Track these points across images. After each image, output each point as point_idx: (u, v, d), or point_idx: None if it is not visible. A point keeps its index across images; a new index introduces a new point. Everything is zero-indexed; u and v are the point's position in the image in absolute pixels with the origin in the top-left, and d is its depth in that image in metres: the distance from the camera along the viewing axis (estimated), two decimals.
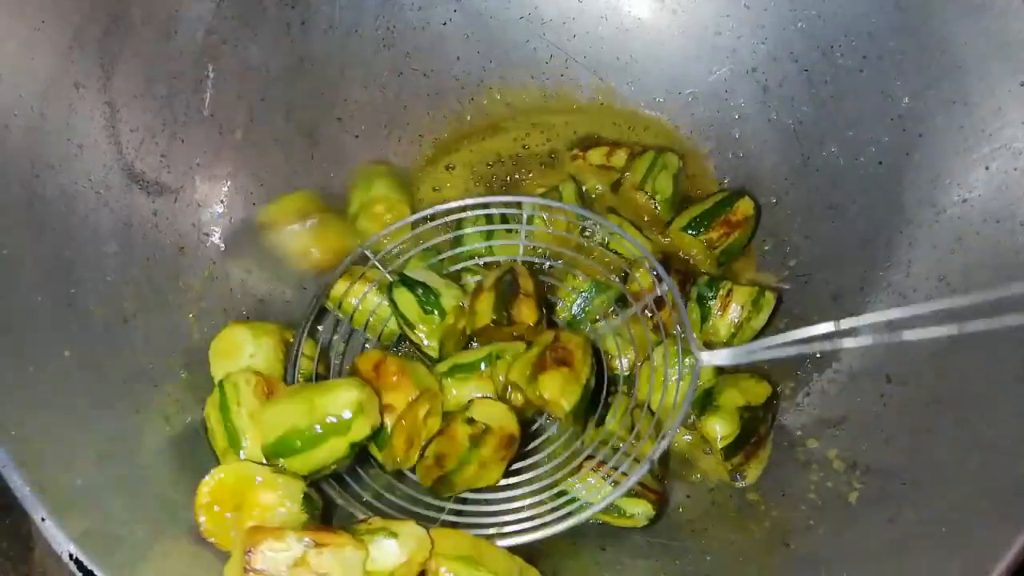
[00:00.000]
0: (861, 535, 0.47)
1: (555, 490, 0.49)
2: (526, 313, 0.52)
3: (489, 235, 0.58)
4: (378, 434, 0.46)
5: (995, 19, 0.52)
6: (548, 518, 0.47)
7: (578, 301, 0.57)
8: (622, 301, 0.57)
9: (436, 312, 0.52)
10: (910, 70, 0.56)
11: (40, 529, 0.35)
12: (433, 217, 0.58)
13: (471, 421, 0.47)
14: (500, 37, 0.65)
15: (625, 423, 0.52)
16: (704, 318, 0.57)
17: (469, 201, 0.58)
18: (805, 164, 0.61)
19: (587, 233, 0.60)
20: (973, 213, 0.52)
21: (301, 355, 0.52)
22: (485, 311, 0.52)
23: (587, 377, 0.50)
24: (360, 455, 0.47)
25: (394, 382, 0.46)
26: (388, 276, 0.55)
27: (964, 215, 0.53)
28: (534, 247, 0.59)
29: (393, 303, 0.53)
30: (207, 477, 0.42)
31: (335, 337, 0.56)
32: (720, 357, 0.49)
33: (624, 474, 0.48)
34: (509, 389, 0.51)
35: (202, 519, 0.41)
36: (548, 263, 0.59)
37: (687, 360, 0.53)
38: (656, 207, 0.61)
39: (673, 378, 0.53)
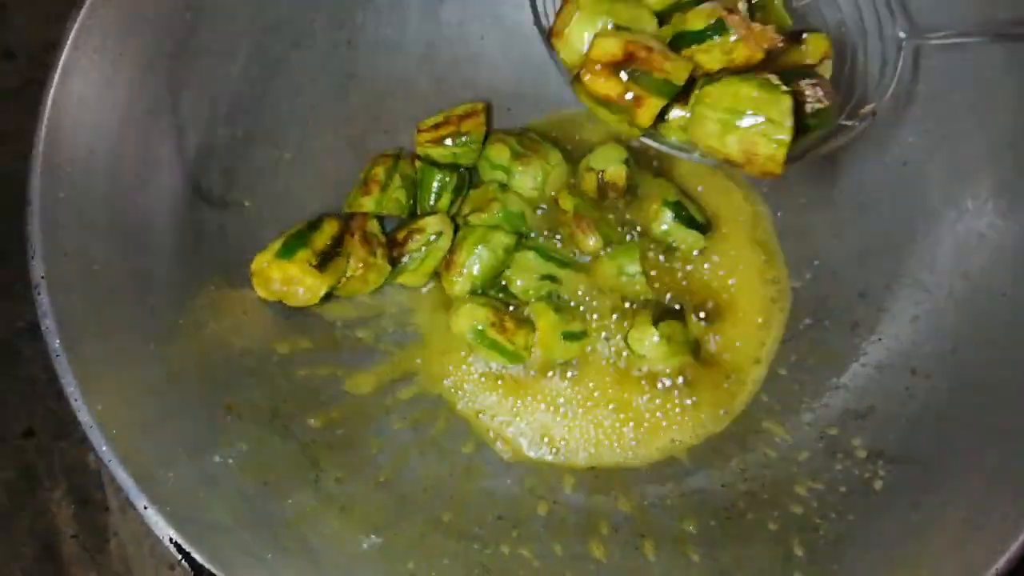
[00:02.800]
0: (886, 520, 0.50)
1: None
2: None
3: None
4: None
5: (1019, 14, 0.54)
6: None
7: None
8: None
9: None
10: (933, 70, 0.58)
11: (143, 517, 0.39)
12: None
13: None
14: (537, 49, 0.67)
15: None
16: None
17: None
18: (833, 164, 0.64)
19: None
20: (995, 212, 0.55)
21: None
22: None
23: None
24: None
25: None
26: None
27: (988, 212, 0.55)
28: None
29: None
30: None
31: None
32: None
33: None
34: None
35: None
36: None
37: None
38: None
39: None
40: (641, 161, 0.65)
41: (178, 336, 0.51)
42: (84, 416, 0.42)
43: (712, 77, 0.49)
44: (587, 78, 0.47)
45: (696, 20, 0.48)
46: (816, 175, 0.64)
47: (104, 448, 0.41)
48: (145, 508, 0.40)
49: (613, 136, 0.67)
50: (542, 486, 0.57)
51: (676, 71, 0.47)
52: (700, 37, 0.48)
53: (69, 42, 0.48)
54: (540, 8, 0.52)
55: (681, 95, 0.49)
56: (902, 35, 0.53)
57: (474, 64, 0.68)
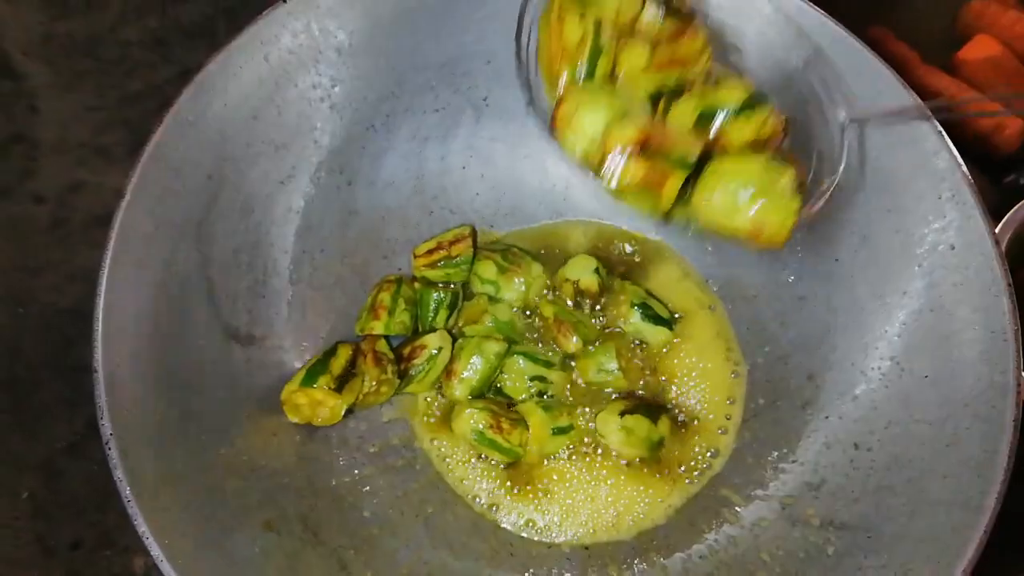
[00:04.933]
0: None
1: None
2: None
3: None
4: None
5: (916, 146, 0.63)
6: None
7: None
8: None
9: None
10: (856, 186, 0.67)
11: None
12: None
13: None
14: (510, 173, 0.77)
15: None
16: None
17: None
18: (776, 261, 0.73)
19: None
20: (913, 303, 0.64)
21: None
22: None
23: None
24: None
25: None
26: None
27: (906, 305, 0.64)
28: None
29: None
30: None
31: None
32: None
33: None
34: None
35: None
36: None
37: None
38: None
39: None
40: (610, 269, 0.75)
41: (222, 465, 0.59)
42: (155, 550, 0.50)
43: (714, 156, 0.52)
44: (610, 163, 0.51)
45: (730, 96, 0.52)
46: (763, 272, 0.73)
47: None
48: None
49: (584, 248, 0.76)
50: (540, 569, 0.65)
51: (690, 147, 0.51)
52: (738, 111, 0.51)
53: (116, 227, 0.57)
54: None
55: (693, 175, 0.52)
56: (843, 116, 0.60)
57: (458, 191, 0.77)
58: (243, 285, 0.66)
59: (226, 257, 0.65)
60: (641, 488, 0.68)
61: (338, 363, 0.66)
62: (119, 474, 0.51)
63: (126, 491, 0.50)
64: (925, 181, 0.63)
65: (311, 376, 0.64)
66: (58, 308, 0.81)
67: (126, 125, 0.87)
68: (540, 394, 0.70)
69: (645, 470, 0.69)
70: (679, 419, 0.71)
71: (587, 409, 0.71)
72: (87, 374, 0.53)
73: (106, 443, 0.52)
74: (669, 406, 0.71)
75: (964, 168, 0.61)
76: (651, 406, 0.69)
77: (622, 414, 0.67)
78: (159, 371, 0.58)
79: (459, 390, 0.69)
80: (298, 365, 0.68)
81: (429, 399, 0.72)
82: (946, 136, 0.62)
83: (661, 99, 0.55)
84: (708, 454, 0.69)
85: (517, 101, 0.74)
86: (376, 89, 0.71)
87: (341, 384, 0.65)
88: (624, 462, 0.69)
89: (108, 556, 0.75)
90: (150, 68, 0.87)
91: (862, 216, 0.67)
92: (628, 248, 0.77)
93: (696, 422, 0.70)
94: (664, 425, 0.68)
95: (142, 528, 0.50)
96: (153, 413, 0.56)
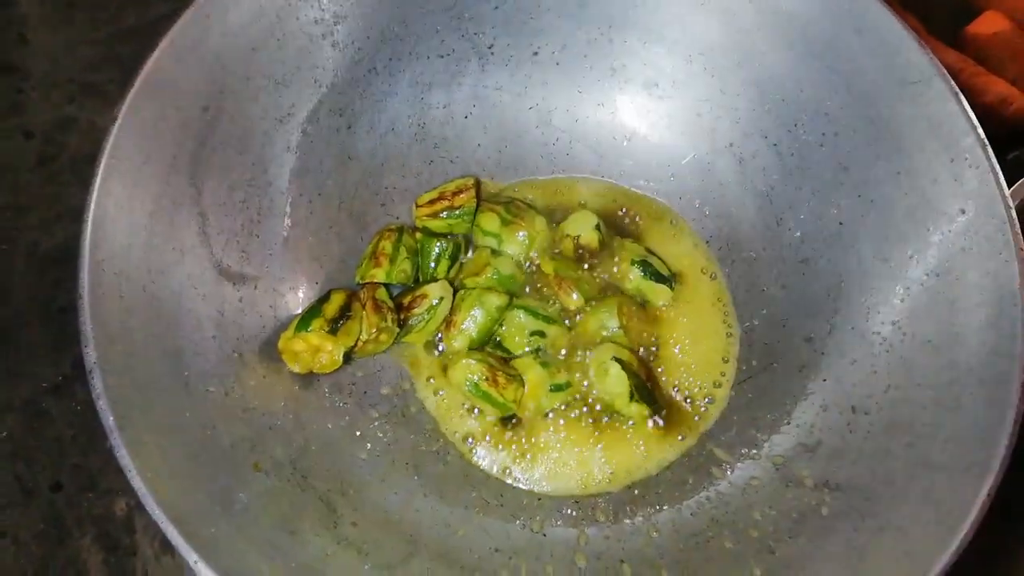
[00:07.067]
0: (832, 542, 0.57)
1: None
2: None
3: None
4: None
5: (928, 103, 0.62)
6: None
7: None
8: None
9: None
10: (861, 145, 0.66)
11: (194, 571, 0.46)
12: None
13: None
14: (513, 124, 0.76)
15: None
16: None
17: None
18: (778, 224, 0.72)
19: None
20: (918, 268, 0.63)
21: None
22: None
23: None
24: None
25: None
26: None
27: (912, 268, 0.63)
28: None
29: None
30: None
31: None
32: None
33: None
34: None
35: None
36: None
37: None
38: None
39: None
40: (611, 227, 0.73)
41: (208, 404, 0.57)
42: (137, 483, 0.48)
43: None
44: None
45: None
46: (766, 234, 0.72)
47: (157, 511, 0.47)
48: (196, 563, 0.46)
49: (585, 205, 0.75)
50: (530, 519, 0.64)
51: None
52: None
53: (106, 152, 0.55)
54: None
55: None
56: None
57: (460, 140, 0.75)
58: (237, 223, 0.64)
59: (220, 193, 0.63)
60: (640, 443, 0.67)
61: (331, 308, 0.64)
62: (102, 404, 0.49)
63: (109, 420, 0.49)
64: (938, 143, 0.62)
65: (305, 322, 0.63)
66: (45, 248, 0.80)
67: (118, 62, 0.84)
68: (538, 350, 0.69)
69: (640, 426, 0.68)
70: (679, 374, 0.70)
71: (586, 358, 0.69)
72: (75, 316, 0.52)
73: (89, 372, 0.50)
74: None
75: (980, 130, 0.60)
76: (645, 390, 0.67)
77: (616, 360, 0.66)
78: (147, 304, 0.56)
79: (458, 341, 0.68)
80: (292, 310, 0.66)
81: (428, 349, 0.70)
82: (962, 97, 0.61)
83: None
84: (706, 400, 0.68)
85: (523, 50, 0.73)
86: (380, 29, 0.69)
87: (335, 327, 0.63)
88: (608, 417, 0.68)
89: (90, 499, 0.74)
90: (144, 2, 0.84)
91: (871, 178, 0.66)
92: (630, 207, 0.76)
93: (691, 378, 0.69)
94: (636, 411, 0.66)
95: (125, 461, 0.48)
96: (139, 346, 0.54)
